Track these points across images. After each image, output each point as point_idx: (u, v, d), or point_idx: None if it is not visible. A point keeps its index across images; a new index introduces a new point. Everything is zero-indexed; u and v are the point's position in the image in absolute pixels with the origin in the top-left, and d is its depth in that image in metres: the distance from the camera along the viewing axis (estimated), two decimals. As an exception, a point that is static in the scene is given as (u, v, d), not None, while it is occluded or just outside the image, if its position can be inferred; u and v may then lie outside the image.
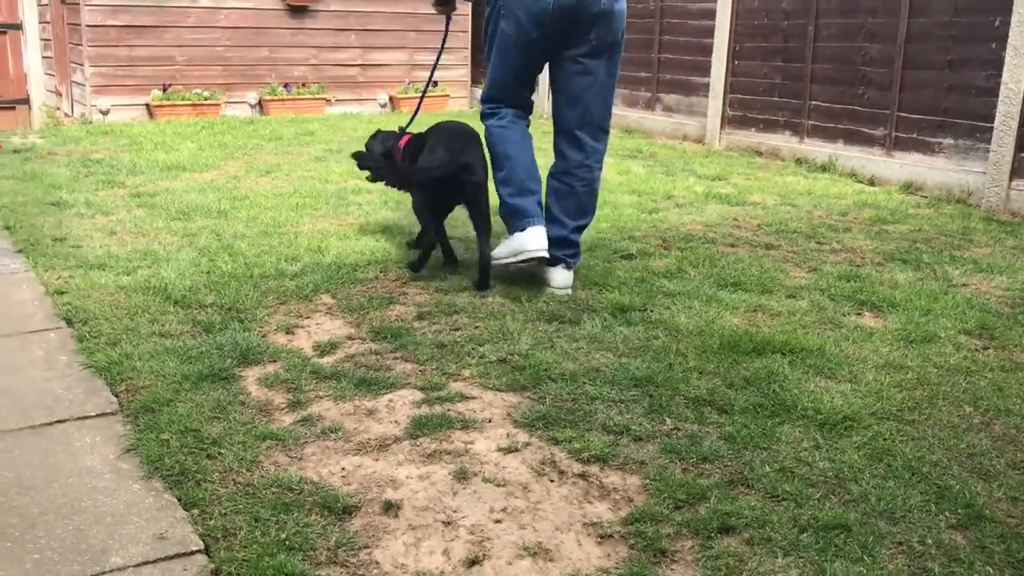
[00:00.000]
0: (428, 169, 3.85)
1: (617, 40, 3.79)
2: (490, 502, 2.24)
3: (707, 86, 8.04)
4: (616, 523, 2.15)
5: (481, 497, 2.26)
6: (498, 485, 2.32)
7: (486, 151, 3.94)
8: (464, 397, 2.80)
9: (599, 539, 2.10)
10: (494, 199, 3.91)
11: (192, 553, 2.00)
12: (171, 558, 1.98)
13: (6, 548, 2.01)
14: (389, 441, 2.53)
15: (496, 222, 3.98)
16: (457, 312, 3.51)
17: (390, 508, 2.20)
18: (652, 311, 3.53)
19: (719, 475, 2.35)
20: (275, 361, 3.03)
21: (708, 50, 7.98)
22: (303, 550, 2.01)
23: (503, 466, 2.41)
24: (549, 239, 3.78)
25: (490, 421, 2.65)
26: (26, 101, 11.39)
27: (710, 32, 7.94)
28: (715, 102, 7.93)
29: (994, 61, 5.72)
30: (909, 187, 6.21)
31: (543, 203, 3.90)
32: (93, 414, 2.65)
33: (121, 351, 3.03)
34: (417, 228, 4.18)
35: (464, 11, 10.22)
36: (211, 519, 2.11)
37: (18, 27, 11.19)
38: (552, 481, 2.34)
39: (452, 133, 3.98)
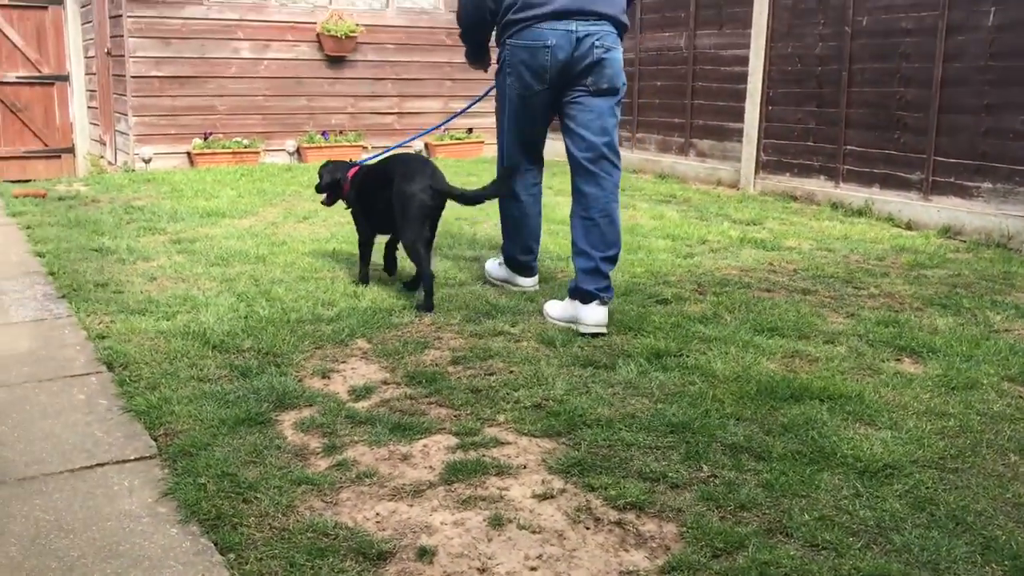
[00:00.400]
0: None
1: (616, 87, 4.02)
2: (525, 549, 2.22)
3: (741, 131, 8.05)
4: (653, 572, 2.13)
5: (516, 544, 2.24)
6: (533, 532, 2.30)
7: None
8: (499, 443, 2.79)
9: (636, 588, 2.07)
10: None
11: (228, 598, 2.00)
12: (207, 603, 1.99)
13: (45, 591, 2.02)
14: (424, 487, 2.52)
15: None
16: (492, 357, 3.51)
17: (424, 554, 2.19)
18: (688, 356, 3.51)
19: (757, 523, 2.32)
20: (311, 405, 3.05)
21: (741, 95, 8.01)
22: (338, 596, 2.00)
23: (538, 513, 2.39)
24: (581, 272, 3.98)
25: (525, 467, 2.64)
26: (71, 150, 11.69)
27: (743, 78, 7.98)
28: (749, 147, 7.94)
29: (1032, 105, 5.68)
30: (947, 231, 6.16)
31: (537, 253, 4.53)
32: (132, 458, 2.67)
33: (160, 395, 3.06)
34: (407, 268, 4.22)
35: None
36: (247, 564, 2.12)
37: (65, 79, 11.53)
38: (588, 528, 2.32)
39: (418, 162, 4.32)
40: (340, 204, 4.73)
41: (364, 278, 4.55)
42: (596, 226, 4.00)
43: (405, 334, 3.78)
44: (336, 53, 9.90)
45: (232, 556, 2.15)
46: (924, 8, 6.44)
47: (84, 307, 4.09)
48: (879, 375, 3.37)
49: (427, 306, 4.09)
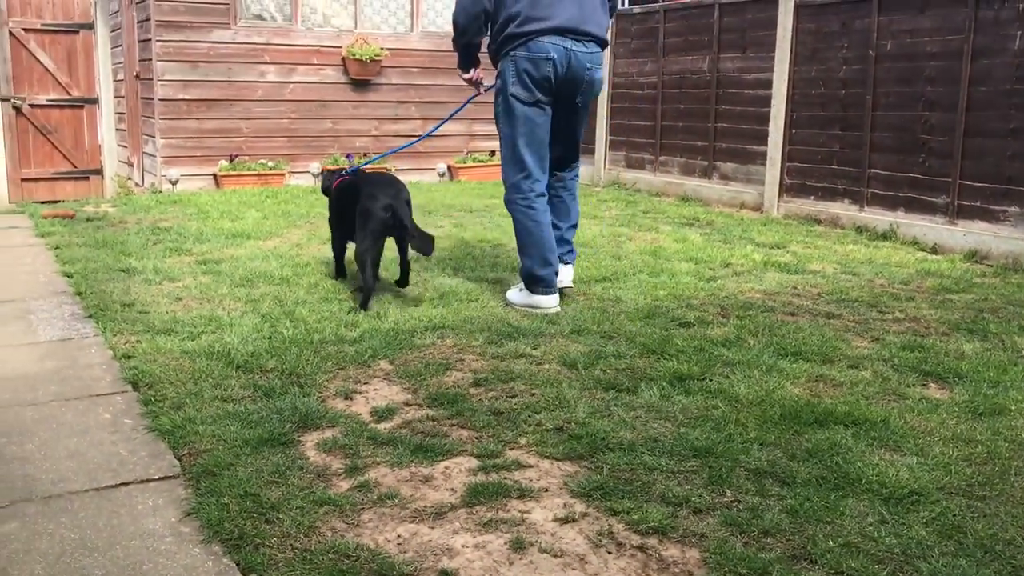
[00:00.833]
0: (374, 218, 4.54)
1: (593, 98, 4.76)
2: (546, 573, 2.21)
3: (764, 154, 8.04)
4: (675, 597, 2.11)
5: (538, 568, 2.24)
6: (555, 556, 2.29)
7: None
8: (520, 465, 2.79)
9: (658, 614, 2.05)
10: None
11: (249, 619, 2.00)
12: (228, 623, 1.99)
13: (69, 609, 2.04)
14: (445, 509, 2.52)
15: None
16: (513, 379, 3.51)
17: (446, 577, 2.18)
18: (711, 380, 3.50)
19: (781, 549, 2.29)
20: (333, 426, 3.06)
21: (765, 119, 8.00)
22: (359, 618, 2.00)
23: (560, 536, 2.38)
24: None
25: (547, 490, 2.63)
26: (99, 171, 11.86)
27: (767, 101, 7.97)
28: (773, 170, 7.93)
29: (1059, 128, 5.64)
30: (973, 255, 6.10)
31: (556, 267, 4.63)
32: (156, 477, 2.69)
33: (184, 415, 3.08)
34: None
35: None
36: (268, 584, 2.12)
37: (94, 101, 11.71)
38: (610, 553, 2.31)
39: (388, 184, 4.69)
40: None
41: (339, 273, 5.11)
42: (563, 202, 4.82)
43: (427, 356, 3.79)
44: (361, 76, 10.00)
45: (254, 576, 2.16)
46: (949, 32, 6.42)
47: (110, 327, 4.13)
48: (905, 400, 3.34)
49: (362, 304, 4.49)
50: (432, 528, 2.42)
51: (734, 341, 4.01)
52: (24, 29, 11.15)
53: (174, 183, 9.33)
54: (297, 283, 5.00)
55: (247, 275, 5.16)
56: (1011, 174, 6.00)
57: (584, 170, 10.41)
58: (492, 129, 5.13)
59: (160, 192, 9.18)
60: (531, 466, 2.78)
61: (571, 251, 4.85)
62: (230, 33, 9.40)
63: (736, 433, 2.98)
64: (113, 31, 11.38)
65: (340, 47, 9.88)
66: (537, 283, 4.53)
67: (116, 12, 11.09)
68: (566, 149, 4.78)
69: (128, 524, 2.42)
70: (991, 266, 5.89)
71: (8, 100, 11.14)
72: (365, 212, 4.51)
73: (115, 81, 11.52)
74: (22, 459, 2.80)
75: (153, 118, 9.38)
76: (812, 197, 7.60)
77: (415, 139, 6.27)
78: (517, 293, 4.67)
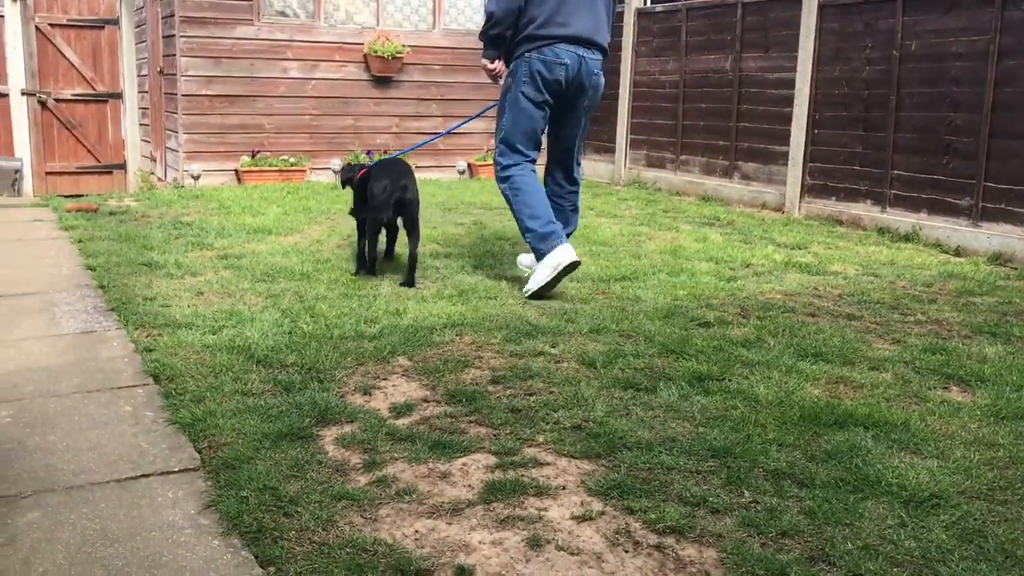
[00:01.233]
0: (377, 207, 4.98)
1: (595, 105, 5.14)
2: (563, 571, 2.21)
3: (786, 154, 8.00)
4: (692, 597, 2.10)
5: (554, 565, 2.24)
6: (572, 554, 2.29)
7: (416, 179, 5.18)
8: (538, 463, 2.79)
9: (675, 613, 2.05)
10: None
11: (267, 611, 2.02)
12: (247, 615, 2.00)
13: (90, 599, 2.06)
14: (462, 505, 2.52)
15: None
16: (532, 377, 3.51)
17: (463, 573, 2.19)
18: (730, 380, 3.48)
19: (799, 551, 2.28)
20: (352, 421, 3.07)
21: (787, 119, 7.96)
22: (376, 612, 2.01)
23: (577, 534, 2.38)
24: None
25: (564, 488, 2.63)
26: (123, 166, 11.95)
27: (789, 101, 7.93)
28: (794, 170, 7.88)
29: (1086, 131, 5.57)
30: (997, 258, 6.05)
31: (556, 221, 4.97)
32: (176, 469, 2.71)
33: (205, 408, 3.11)
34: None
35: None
36: (286, 577, 2.13)
37: (118, 96, 11.81)
38: (627, 552, 2.30)
39: (394, 168, 5.13)
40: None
41: (360, 267, 5.23)
42: (563, 212, 5.18)
43: (446, 352, 3.80)
44: (382, 73, 10.02)
45: (272, 569, 2.17)
46: (975, 32, 6.36)
47: (132, 320, 4.17)
48: (926, 403, 3.31)
49: (359, 268, 5.16)
50: (449, 524, 2.42)
51: (754, 342, 4.00)
52: (50, 24, 11.26)
53: (196, 178, 9.39)
54: (317, 279, 5.02)
55: (268, 270, 5.19)
56: (1036, 176, 5.94)
57: (604, 169, 10.41)
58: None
59: (182, 187, 9.24)
60: (549, 464, 2.78)
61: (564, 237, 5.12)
62: (253, 29, 9.45)
63: (755, 434, 2.97)
64: (138, 27, 11.47)
65: (362, 44, 9.91)
66: (548, 240, 4.77)
67: (141, 8, 11.17)
68: (568, 153, 5.15)
69: (148, 515, 2.44)
70: (1015, 269, 5.84)
71: (34, 94, 11.25)
72: (371, 193, 5.00)
73: (139, 76, 11.61)
74: (45, 450, 2.83)
75: (176, 113, 9.45)
76: (834, 198, 7.56)
77: (436, 135, 6.34)
78: (535, 275, 4.77)
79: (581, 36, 4.81)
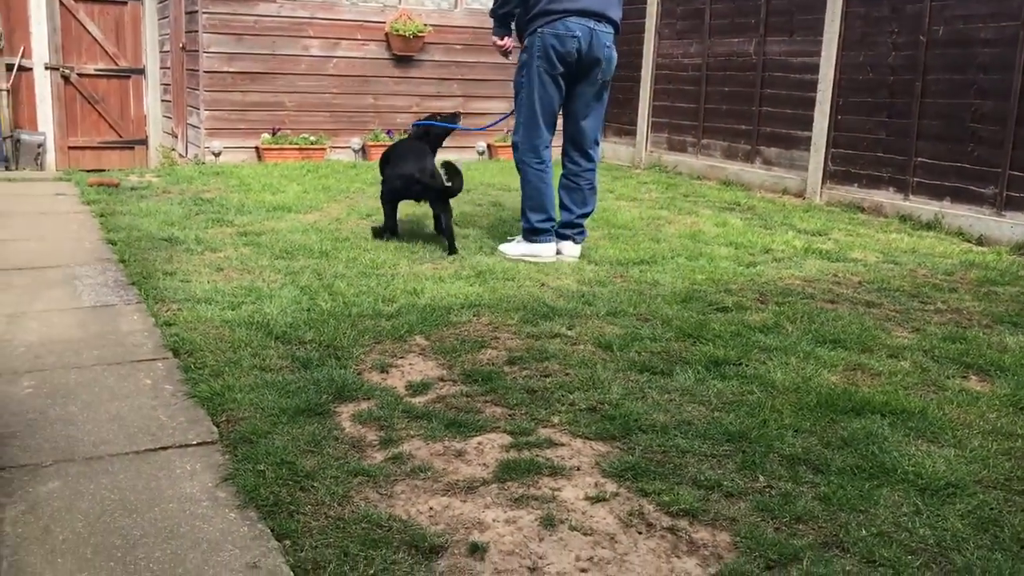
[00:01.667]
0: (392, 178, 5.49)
1: (608, 80, 5.22)
2: (576, 551, 2.22)
3: (809, 140, 7.94)
4: (705, 580, 2.11)
5: (567, 545, 2.25)
6: (585, 534, 2.30)
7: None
8: (553, 443, 2.79)
9: (687, 595, 2.06)
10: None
11: (282, 583, 2.04)
12: (262, 587, 2.03)
13: (109, 567, 2.08)
14: (477, 483, 2.54)
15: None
16: (548, 358, 3.52)
17: (476, 550, 2.20)
18: (747, 365, 3.48)
19: (813, 536, 2.28)
20: (369, 399, 3.09)
21: (810, 104, 7.90)
22: (389, 587, 2.03)
23: (590, 515, 2.39)
24: (561, 223, 5.26)
25: (578, 469, 2.64)
26: (144, 142, 12.01)
27: (813, 86, 7.86)
28: (817, 156, 7.82)
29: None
30: (1021, 248, 5.99)
31: (555, 225, 5.25)
32: (194, 442, 2.74)
33: (223, 383, 3.13)
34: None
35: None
36: (302, 551, 2.15)
37: (141, 72, 11.85)
38: (640, 533, 2.31)
39: (410, 152, 5.50)
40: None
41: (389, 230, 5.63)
42: (580, 190, 5.29)
43: (462, 333, 3.81)
44: (403, 52, 10.00)
45: (288, 543, 2.19)
46: (1004, 18, 6.28)
47: (152, 294, 4.20)
48: (944, 392, 3.30)
49: (377, 233, 5.58)
50: (464, 502, 2.44)
51: (772, 327, 3.98)
52: (74, -1, 11.30)
53: (217, 155, 9.42)
54: (336, 257, 5.04)
55: (287, 248, 5.21)
56: (1063, 166, 5.87)
57: (625, 151, 10.37)
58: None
59: (203, 163, 9.28)
60: (563, 445, 2.79)
61: (581, 231, 5.32)
62: (275, 7, 9.45)
63: (771, 419, 2.96)
64: (160, 2, 11.49)
65: (383, 23, 9.89)
66: (539, 234, 5.17)
67: (164, -16, 11.19)
68: (585, 131, 5.23)
69: (166, 487, 2.47)
70: (1038, 259, 5.78)
71: (57, 69, 11.31)
72: (384, 177, 5.55)
73: (161, 52, 11.64)
74: (65, 420, 2.86)
75: (198, 90, 9.47)
76: (856, 184, 7.50)
77: (501, 117, 6.71)
78: (514, 246, 5.25)
79: (591, 9, 4.98)
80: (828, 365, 3.51)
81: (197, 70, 9.45)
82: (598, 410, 3.03)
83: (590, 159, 5.30)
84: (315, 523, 2.27)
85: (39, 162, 11.14)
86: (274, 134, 9.51)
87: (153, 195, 7.06)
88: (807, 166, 7.94)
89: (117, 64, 11.68)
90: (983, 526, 2.35)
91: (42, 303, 4.11)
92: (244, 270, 4.73)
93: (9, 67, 11.00)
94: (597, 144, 5.34)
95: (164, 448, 2.70)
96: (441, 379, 3.30)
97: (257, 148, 9.52)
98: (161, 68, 11.71)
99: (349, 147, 9.94)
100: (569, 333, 3.84)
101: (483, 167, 9.60)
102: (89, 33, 11.43)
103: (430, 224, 5.88)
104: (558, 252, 5.22)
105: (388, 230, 5.59)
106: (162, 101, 11.82)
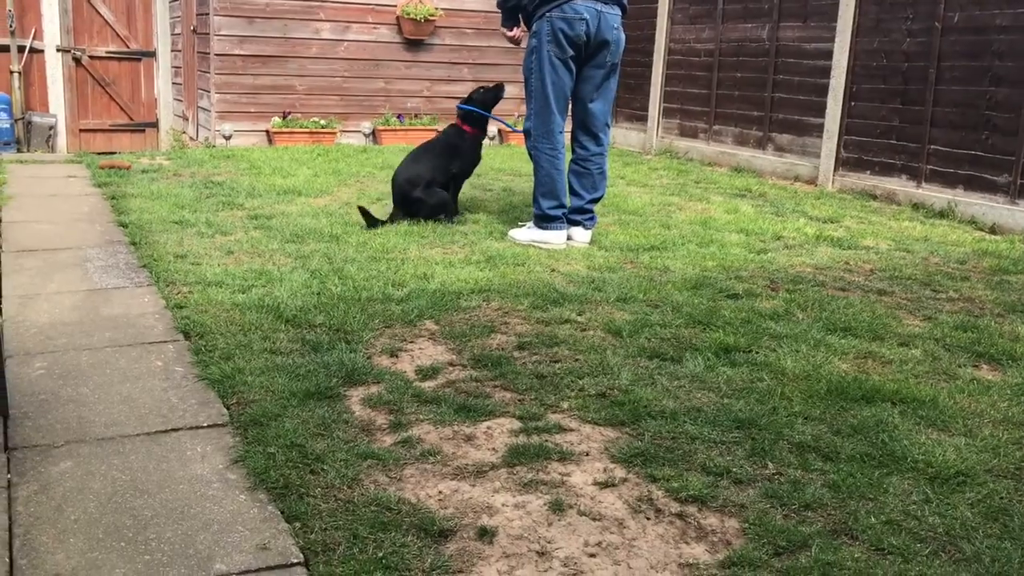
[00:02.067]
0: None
1: (617, 63, 5.24)
2: (585, 535, 2.23)
3: (821, 127, 7.89)
4: (713, 566, 2.11)
5: (576, 530, 2.25)
6: (593, 519, 2.30)
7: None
8: (562, 429, 2.80)
9: (695, 581, 2.06)
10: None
11: (292, 565, 2.05)
12: (272, 568, 2.04)
13: (120, 547, 2.10)
14: (486, 468, 2.54)
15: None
16: (557, 344, 3.52)
17: (485, 534, 2.21)
18: (757, 353, 3.47)
19: (822, 523, 2.28)
20: (378, 383, 3.09)
21: (823, 90, 7.84)
22: (398, 570, 2.04)
23: (599, 500, 2.39)
24: (572, 209, 5.26)
25: (587, 454, 2.64)
26: (155, 124, 12.01)
27: (826, 72, 7.81)
28: (829, 143, 7.78)
29: None
30: (1034, 237, 5.95)
31: (567, 211, 5.26)
32: (205, 425, 2.75)
33: (234, 365, 3.14)
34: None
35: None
36: (312, 533, 2.17)
37: (152, 55, 11.84)
38: (648, 519, 2.31)
39: (407, 158, 5.71)
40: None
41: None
42: (590, 175, 5.29)
43: (472, 318, 3.81)
44: (414, 36, 9.97)
45: (297, 525, 2.20)
46: (1020, 4, 6.21)
47: (163, 277, 4.21)
48: (955, 380, 3.28)
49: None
50: (473, 486, 2.44)
51: (782, 314, 3.97)
52: (85, -19, 11.29)
53: (228, 138, 9.42)
54: (346, 241, 5.04)
55: (297, 231, 5.21)
56: (1078, 154, 5.82)
57: (636, 138, 10.33)
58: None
59: (214, 146, 9.28)
60: (572, 430, 2.79)
61: (592, 217, 5.32)
62: (287, -11, 9.42)
63: (781, 406, 2.96)
64: (172, -15, 11.47)
65: (395, 6, 9.85)
66: (550, 221, 5.18)
67: (175, -34, 11.17)
68: (595, 115, 5.22)
69: (177, 469, 2.48)
70: (1051, 248, 5.74)
71: (69, 51, 11.31)
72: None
73: (172, 35, 11.63)
74: (77, 401, 2.88)
75: (209, 73, 9.46)
76: (868, 172, 7.46)
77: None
78: (525, 231, 5.26)
79: None
80: (838, 353, 3.50)
81: (208, 53, 9.44)
82: (607, 396, 3.03)
83: (600, 143, 5.29)
84: (325, 506, 2.28)
85: (50, 144, 11.17)
86: (285, 117, 9.50)
87: (164, 178, 7.07)
88: (819, 153, 7.90)
89: (128, 47, 11.68)
90: (993, 515, 2.34)
91: (54, 285, 4.12)
92: (254, 253, 4.73)
93: (21, 49, 11.01)
94: (608, 127, 5.34)
95: (175, 430, 2.71)
96: (451, 364, 3.31)
97: (268, 131, 9.52)
98: (172, 51, 11.71)
99: (360, 131, 9.92)
100: (579, 319, 3.84)
101: (494, 152, 9.58)
102: (100, 15, 11.42)
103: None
104: (568, 238, 5.22)
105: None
106: (173, 84, 11.82)
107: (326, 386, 3.00)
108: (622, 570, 2.09)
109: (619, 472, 2.54)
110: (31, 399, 2.88)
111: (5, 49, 10.95)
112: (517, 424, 2.82)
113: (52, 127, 11.20)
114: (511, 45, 5.88)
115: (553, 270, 4.62)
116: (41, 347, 3.34)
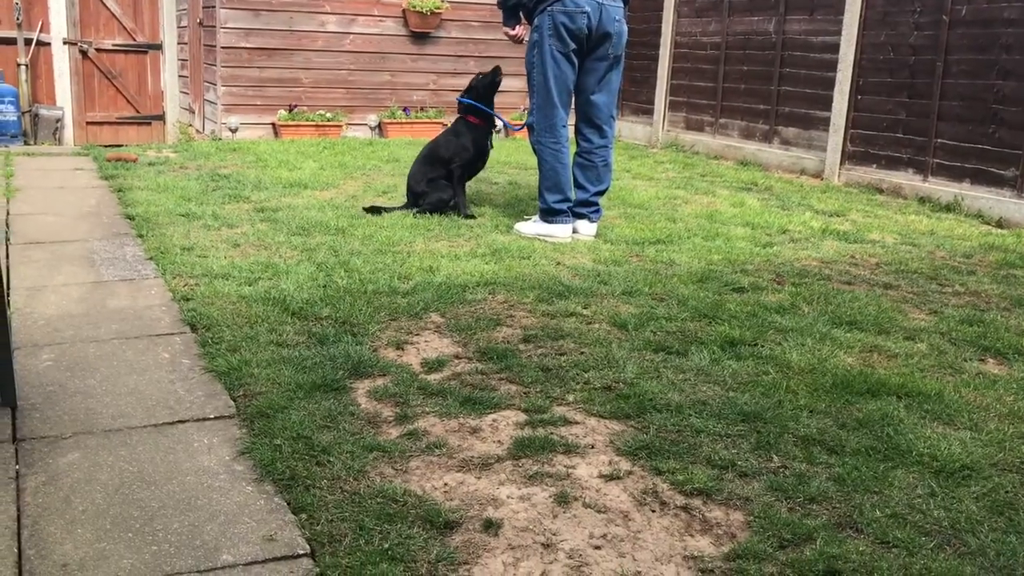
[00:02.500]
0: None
1: (620, 55, 5.23)
2: (590, 528, 2.23)
3: (827, 120, 7.87)
4: (718, 558, 2.12)
5: (581, 522, 2.26)
6: (598, 511, 2.31)
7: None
8: (567, 421, 2.80)
9: (699, 573, 2.07)
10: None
11: (298, 556, 2.06)
12: (279, 559, 2.05)
13: (127, 538, 2.11)
14: (492, 460, 2.55)
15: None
16: (563, 337, 3.52)
17: (490, 526, 2.22)
18: (763, 346, 3.47)
19: (827, 516, 2.29)
20: (384, 375, 3.10)
21: (830, 84, 7.82)
22: (404, 561, 2.05)
23: (604, 493, 2.40)
24: (576, 202, 5.27)
25: (593, 447, 2.65)
26: (161, 117, 12.03)
27: (832, 65, 7.78)
28: (835, 137, 7.76)
29: None
30: (1041, 231, 5.93)
31: (572, 205, 5.25)
32: (212, 416, 2.76)
33: (240, 358, 3.15)
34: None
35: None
36: (318, 524, 2.18)
37: (158, 47, 11.85)
38: (653, 511, 2.32)
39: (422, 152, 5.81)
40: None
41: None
42: (594, 168, 5.30)
43: (478, 310, 3.81)
44: (420, 29, 9.96)
45: (304, 516, 2.21)
46: (1028, -2, 6.19)
47: (170, 269, 4.22)
48: (960, 374, 3.28)
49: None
50: (478, 478, 2.45)
51: (788, 308, 3.97)
52: (92, -27, 11.29)
53: (234, 131, 9.43)
54: (352, 234, 5.05)
55: (303, 224, 5.22)
56: (1085, 148, 5.80)
57: (642, 131, 10.31)
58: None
59: (220, 139, 9.29)
60: (578, 423, 2.80)
61: (597, 210, 5.34)
62: (292, -18, 9.42)
63: (786, 400, 2.96)
64: (178, -22, 11.47)
65: (401, -1, 9.85)
66: (555, 215, 5.18)
67: (181, -41, 11.16)
68: (598, 108, 5.22)
69: (184, 460, 2.49)
70: (1058, 242, 5.73)
71: (75, 44, 11.32)
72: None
73: (179, 28, 11.64)
74: (84, 393, 2.89)
75: (215, 65, 9.47)
76: (875, 165, 7.44)
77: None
78: (530, 224, 5.27)
79: None
80: (844, 346, 3.50)
81: (214, 45, 9.44)
82: (613, 389, 3.04)
83: (603, 135, 5.28)
84: (331, 497, 2.29)
85: (57, 137, 11.19)
86: (291, 110, 9.51)
87: (170, 170, 7.08)
88: (826, 146, 7.88)
89: (135, 39, 11.69)
90: (998, 509, 2.34)
91: (61, 277, 4.14)
92: (261, 246, 4.74)
93: (28, 42, 11.03)
94: (613, 119, 5.34)
95: (182, 421, 2.73)
96: (456, 356, 3.32)
97: (274, 124, 9.52)
98: (178, 43, 11.71)
99: (366, 124, 9.92)
100: (584, 312, 3.84)
101: (499, 146, 9.56)
102: (107, 8, 11.43)
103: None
104: (574, 231, 5.23)
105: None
106: (179, 76, 11.82)
107: (332, 378, 3.01)
108: (627, 562, 2.10)
109: (624, 465, 2.55)
110: (39, 390, 2.89)
111: (12, 42, 10.97)
112: (523, 417, 2.83)
113: (59, 120, 11.22)
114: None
115: (558, 263, 4.63)
116: (48, 339, 3.35)
